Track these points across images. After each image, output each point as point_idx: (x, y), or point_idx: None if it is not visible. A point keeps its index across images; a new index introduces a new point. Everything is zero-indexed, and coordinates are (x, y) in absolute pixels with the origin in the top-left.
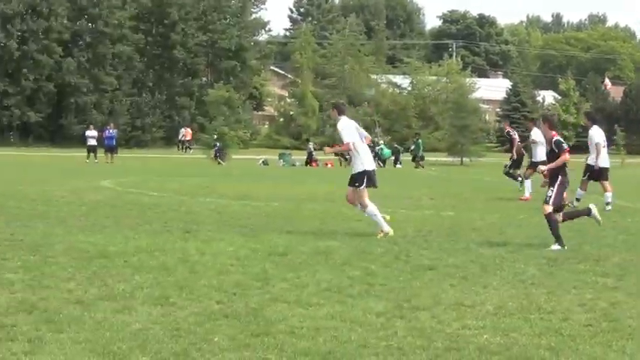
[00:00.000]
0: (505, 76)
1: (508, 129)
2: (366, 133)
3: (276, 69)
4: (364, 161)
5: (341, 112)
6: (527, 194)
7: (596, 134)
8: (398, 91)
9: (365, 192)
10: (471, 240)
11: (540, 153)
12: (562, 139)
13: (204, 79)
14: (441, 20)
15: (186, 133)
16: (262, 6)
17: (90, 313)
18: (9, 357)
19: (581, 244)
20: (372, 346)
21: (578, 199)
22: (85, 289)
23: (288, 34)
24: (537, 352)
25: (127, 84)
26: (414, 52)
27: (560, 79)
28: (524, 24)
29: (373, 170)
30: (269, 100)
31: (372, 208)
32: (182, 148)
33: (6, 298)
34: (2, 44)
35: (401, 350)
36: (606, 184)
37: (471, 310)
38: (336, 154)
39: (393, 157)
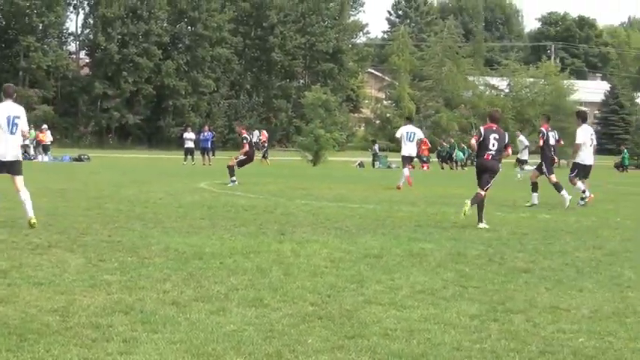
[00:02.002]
0: (604, 78)
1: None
2: None
3: (373, 71)
4: None
5: None
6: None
7: (581, 134)
8: (495, 94)
9: None
10: (566, 243)
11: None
12: None
13: (301, 81)
14: (540, 22)
15: (262, 135)
16: (360, 8)
17: (185, 314)
18: (104, 357)
19: None
20: (466, 348)
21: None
22: (181, 290)
23: (386, 36)
24: (633, 356)
25: (224, 86)
26: (512, 54)
27: None
28: (624, 25)
29: None
30: (366, 102)
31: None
32: (259, 149)
33: (103, 298)
34: (103, 47)
35: (494, 353)
36: (586, 182)
37: (566, 314)
38: None
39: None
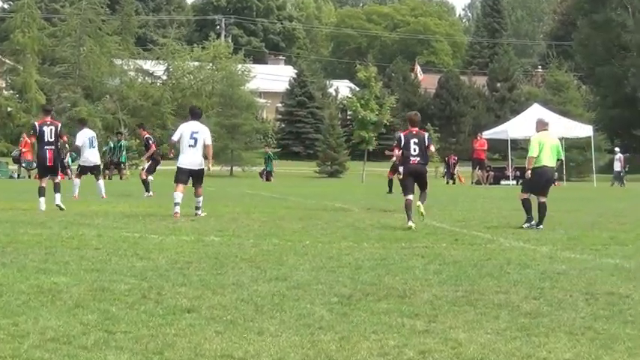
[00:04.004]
0: (289, 61)
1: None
2: None
3: None
4: None
5: None
6: None
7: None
8: (150, 81)
9: None
10: (242, 273)
11: None
12: None
13: None
14: None
15: None
16: None
17: None
18: None
19: (382, 275)
20: None
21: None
22: None
23: (7, 6)
24: None
25: None
26: (171, 30)
27: (358, 66)
28: None
29: None
30: None
31: None
32: None
33: None
34: None
35: None
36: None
37: None
38: None
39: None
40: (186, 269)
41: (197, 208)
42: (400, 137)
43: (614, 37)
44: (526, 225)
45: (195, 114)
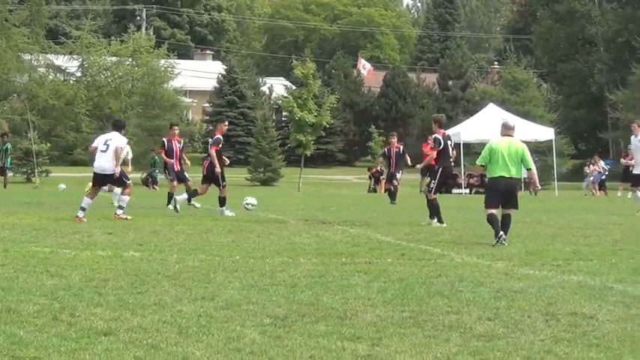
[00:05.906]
0: (217, 56)
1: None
2: None
3: None
4: None
5: None
6: None
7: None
8: (62, 79)
9: None
10: (164, 292)
11: None
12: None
13: None
14: None
15: None
16: None
17: None
18: None
19: (320, 294)
20: None
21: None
22: None
23: None
24: None
25: None
26: (86, 22)
27: (294, 62)
28: None
29: None
30: None
31: None
32: None
33: None
34: None
35: None
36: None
37: None
38: None
39: None
40: (102, 288)
41: (119, 207)
42: (440, 139)
43: (578, 29)
44: (495, 241)
45: (115, 125)
